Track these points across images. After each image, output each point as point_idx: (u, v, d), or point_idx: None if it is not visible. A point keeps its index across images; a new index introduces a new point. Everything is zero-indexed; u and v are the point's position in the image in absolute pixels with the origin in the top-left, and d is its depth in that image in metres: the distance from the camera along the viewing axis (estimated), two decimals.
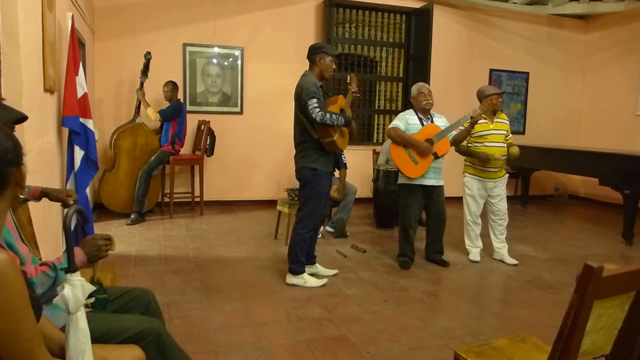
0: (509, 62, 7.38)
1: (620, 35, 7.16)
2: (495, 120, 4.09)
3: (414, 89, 3.94)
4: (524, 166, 6.64)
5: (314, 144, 3.33)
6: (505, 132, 4.10)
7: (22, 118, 1.55)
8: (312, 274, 3.55)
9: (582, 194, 7.76)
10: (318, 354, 2.46)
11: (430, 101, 3.85)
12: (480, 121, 3.98)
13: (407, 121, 3.85)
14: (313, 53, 3.39)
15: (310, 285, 3.42)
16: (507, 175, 4.22)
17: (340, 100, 3.43)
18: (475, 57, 7.15)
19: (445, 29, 6.81)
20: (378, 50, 7.00)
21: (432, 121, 3.90)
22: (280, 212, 4.71)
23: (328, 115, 3.16)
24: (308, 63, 3.45)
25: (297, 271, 3.44)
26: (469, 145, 4.10)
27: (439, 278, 3.79)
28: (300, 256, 3.43)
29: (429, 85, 4.06)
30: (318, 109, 3.15)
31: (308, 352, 2.48)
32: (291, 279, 3.46)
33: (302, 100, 3.22)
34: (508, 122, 4.19)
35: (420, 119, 3.87)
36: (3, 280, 0.95)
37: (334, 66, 3.39)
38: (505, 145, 4.07)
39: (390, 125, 3.89)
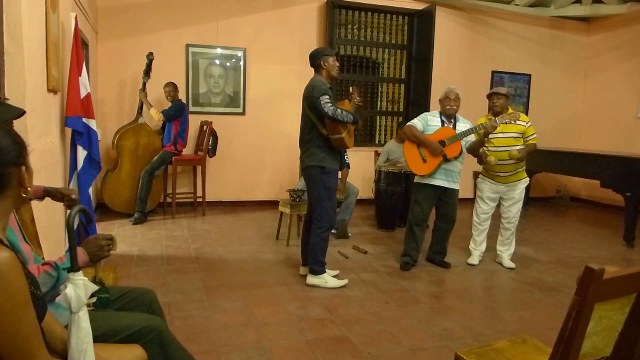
0: (510, 64, 7.37)
1: (622, 38, 7.15)
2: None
3: (443, 92, 3.92)
4: (526, 168, 6.60)
5: (320, 143, 3.35)
6: (517, 135, 3.89)
7: (20, 114, 1.53)
8: None
9: (584, 196, 7.75)
10: (319, 354, 2.47)
11: (453, 107, 3.84)
12: None
13: (427, 121, 3.88)
14: (315, 58, 3.43)
15: (332, 286, 3.42)
16: (527, 179, 4.10)
17: (345, 105, 3.47)
18: (477, 59, 7.15)
19: (447, 30, 6.81)
20: (380, 51, 7.01)
21: (454, 125, 3.88)
22: (282, 212, 4.71)
23: (339, 111, 3.23)
24: (310, 63, 3.47)
25: (317, 271, 3.44)
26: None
27: (440, 279, 3.79)
28: (321, 256, 3.44)
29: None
30: (330, 104, 3.22)
31: (309, 353, 2.48)
32: (312, 280, 3.45)
33: (314, 97, 3.26)
34: (525, 124, 3.90)
35: (442, 121, 3.87)
36: (5, 279, 0.95)
37: (337, 64, 3.46)
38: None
39: (408, 123, 3.94)
